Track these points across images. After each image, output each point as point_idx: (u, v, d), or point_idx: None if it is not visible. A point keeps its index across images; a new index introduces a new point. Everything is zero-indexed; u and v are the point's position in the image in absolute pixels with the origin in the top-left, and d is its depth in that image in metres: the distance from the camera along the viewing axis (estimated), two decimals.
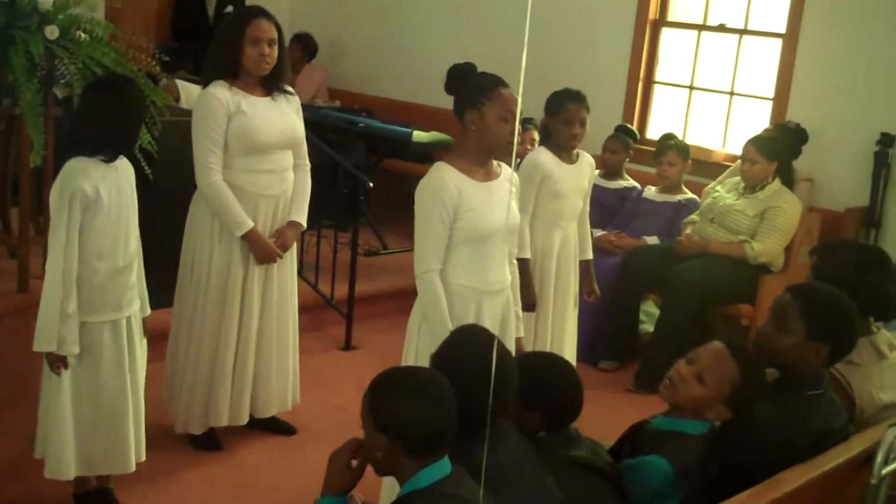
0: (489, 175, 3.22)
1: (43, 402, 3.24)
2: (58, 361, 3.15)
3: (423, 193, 3.15)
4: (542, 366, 2.67)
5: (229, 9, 7.58)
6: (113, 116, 3.13)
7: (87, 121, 3.14)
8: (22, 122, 3.99)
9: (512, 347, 3.27)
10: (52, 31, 3.90)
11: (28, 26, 3.89)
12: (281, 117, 3.84)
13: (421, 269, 3.15)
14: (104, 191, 3.12)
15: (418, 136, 6.45)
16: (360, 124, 6.64)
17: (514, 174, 3.35)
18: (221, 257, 3.81)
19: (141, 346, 3.35)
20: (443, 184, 3.11)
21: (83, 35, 4.04)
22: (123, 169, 3.25)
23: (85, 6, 4.21)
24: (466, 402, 2.24)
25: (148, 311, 3.41)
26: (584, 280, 4.43)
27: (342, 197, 5.65)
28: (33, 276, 4.19)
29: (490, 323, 3.17)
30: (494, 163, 3.25)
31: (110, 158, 3.16)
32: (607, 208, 5.65)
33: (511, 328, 3.32)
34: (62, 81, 4.37)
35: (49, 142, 4.04)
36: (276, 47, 3.75)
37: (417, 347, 3.20)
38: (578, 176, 4.22)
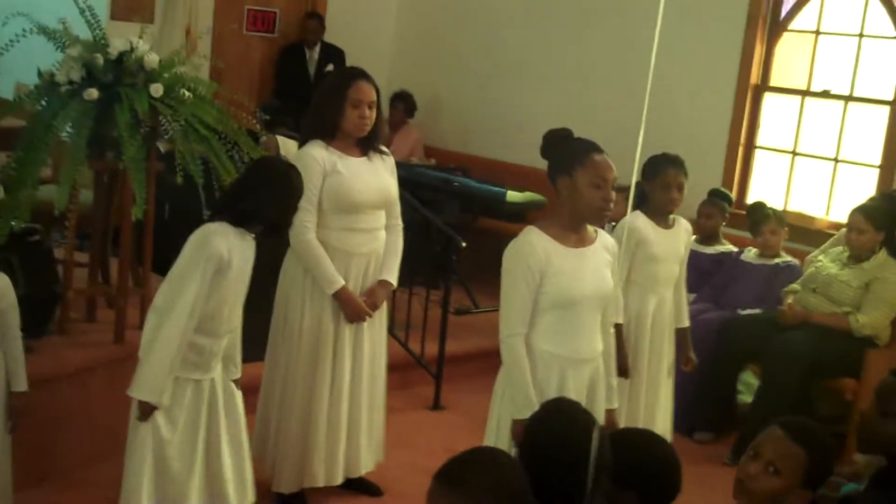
0: (582, 241, 3.17)
1: (128, 453, 3.27)
2: (143, 410, 3.18)
3: (510, 256, 3.13)
4: (637, 443, 2.56)
5: (330, 67, 7.71)
6: (271, 201, 3.23)
7: (246, 194, 3.23)
8: (125, 176, 4.08)
9: (601, 419, 3.18)
10: (157, 90, 3.99)
11: (134, 84, 3.99)
12: (376, 177, 3.87)
13: (505, 333, 3.11)
14: (237, 260, 3.20)
15: (512, 195, 6.44)
16: (455, 183, 6.65)
17: (613, 242, 3.29)
18: (313, 315, 3.82)
19: (226, 405, 3.37)
20: (530, 248, 3.08)
21: (187, 93, 4.13)
22: (252, 243, 3.31)
23: (190, 65, 4.32)
24: (557, 482, 2.16)
25: (238, 374, 3.45)
26: (681, 348, 4.32)
27: (434, 255, 5.65)
28: (130, 326, 4.26)
29: (575, 392, 3.10)
30: (591, 229, 3.20)
31: (255, 235, 3.27)
32: (703, 273, 5.52)
33: (600, 399, 3.24)
34: (165, 137, 4.49)
35: (150, 196, 4.13)
36: (375, 109, 3.79)
37: (500, 414, 3.15)
38: (675, 241, 4.16)
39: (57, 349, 4.13)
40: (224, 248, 3.16)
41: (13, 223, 3.82)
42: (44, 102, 4.02)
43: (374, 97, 3.79)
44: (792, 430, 2.47)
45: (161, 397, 3.17)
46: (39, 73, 4.09)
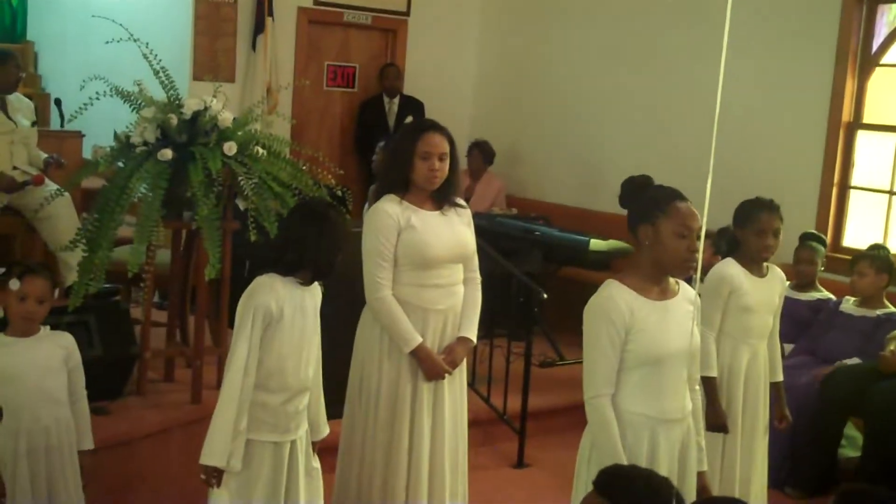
0: (665, 293, 3.01)
1: None
2: (214, 476, 3.10)
3: (592, 313, 2.98)
4: None
5: (409, 119, 7.71)
6: (314, 243, 3.14)
7: (287, 242, 3.17)
8: (199, 234, 4.07)
9: (693, 483, 3.00)
10: (230, 148, 3.99)
11: (207, 143, 4.00)
12: (451, 231, 3.77)
13: (590, 394, 2.96)
14: (288, 311, 3.11)
15: (596, 244, 6.28)
16: (537, 232, 6.54)
17: (697, 295, 3.12)
18: (390, 374, 3.71)
19: (307, 470, 3.28)
20: (612, 303, 2.93)
21: (261, 150, 4.13)
22: (312, 292, 3.24)
23: (263, 122, 4.32)
24: None
25: (323, 434, 3.38)
26: (775, 404, 4.10)
27: (516, 306, 5.53)
28: (207, 386, 4.23)
29: (667, 455, 2.93)
30: (672, 280, 3.04)
31: (306, 282, 3.18)
32: (799, 322, 5.27)
33: (692, 461, 3.04)
34: (244, 195, 4.49)
35: (226, 255, 4.12)
36: (447, 161, 3.69)
37: (587, 480, 2.96)
38: (769, 290, 3.97)
39: (134, 410, 4.13)
40: (271, 301, 3.09)
41: (90, 284, 3.84)
42: (120, 164, 4.05)
43: (446, 148, 3.69)
44: (850, 497, 2.29)
45: (226, 461, 3.08)
46: (115, 135, 4.14)
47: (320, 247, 3.15)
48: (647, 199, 3.00)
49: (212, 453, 3.07)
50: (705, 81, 6.42)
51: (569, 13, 7.80)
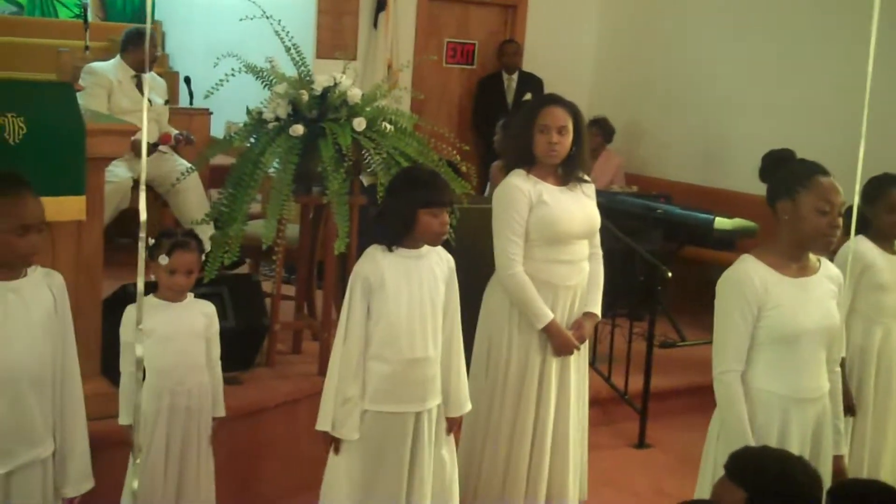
0: (804, 270, 2.93)
1: (323, 485, 3.26)
2: (331, 443, 3.16)
3: (725, 287, 2.93)
4: (864, 498, 2.31)
5: (528, 96, 7.67)
6: (398, 203, 3.14)
7: (388, 211, 3.18)
8: (329, 209, 4.14)
9: (828, 466, 2.93)
10: (359, 123, 4.04)
11: (337, 118, 4.05)
12: (580, 207, 3.75)
13: (719, 370, 2.91)
14: (391, 281, 3.12)
15: (720, 222, 6.16)
16: (658, 210, 6.44)
17: (838, 272, 3.03)
18: (520, 347, 3.72)
19: (436, 444, 3.27)
20: (747, 277, 2.88)
21: (388, 126, 4.17)
22: (432, 260, 3.22)
23: (391, 98, 4.35)
24: None
25: (460, 411, 3.35)
26: None
27: (638, 285, 5.46)
28: None
29: (799, 436, 2.88)
30: (813, 257, 2.96)
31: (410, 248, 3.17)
32: None
33: (827, 444, 2.97)
34: (368, 170, 4.54)
35: (354, 229, 4.18)
36: (567, 135, 3.66)
37: (716, 458, 2.93)
38: None
39: (263, 381, 4.23)
40: (368, 270, 3.12)
41: (224, 258, 3.94)
42: (252, 139, 4.14)
43: (566, 122, 3.65)
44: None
45: (337, 428, 3.13)
46: (248, 111, 4.23)
47: (399, 203, 3.13)
48: (787, 173, 2.93)
49: (320, 418, 3.15)
50: (840, 55, 6.21)
51: None
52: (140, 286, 1.56)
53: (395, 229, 3.15)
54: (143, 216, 1.54)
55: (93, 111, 4.24)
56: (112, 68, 5.57)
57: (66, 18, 7.81)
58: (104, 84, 5.48)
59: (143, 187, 1.54)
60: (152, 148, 5.49)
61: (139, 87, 5.61)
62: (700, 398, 4.07)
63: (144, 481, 3.11)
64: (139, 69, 5.59)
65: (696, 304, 5.65)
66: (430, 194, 3.11)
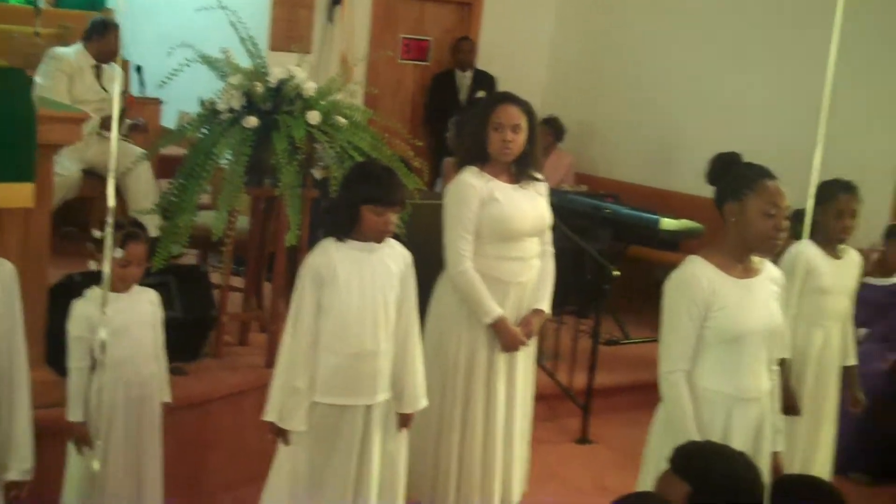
0: (748, 272, 3.00)
1: (269, 476, 3.27)
2: (278, 434, 3.17)
3: (673, 288, 2.98)
4: (804, 493, 2.38)
5: (481, 94, 7.71)
6: (356, 205, 3.14)
7: (336, 204, 3.20)
8: (280, 202, 4.14)
9: (766, 463, 3.00)
10: (314, 117, 4.04)
11: (292, 111, 4.05)
12: (531, 205, 3.79)
13: (666, 369, 2.97)
14: (343, 273, 3.13)
15: (667, 223, 6.24)
16: (607, 210, 6.50)
17: (780, 274, 3.11)
18: (469, 343, 3.76)
19: (385, 439, 3.29)
20: (694, 278, 2.93)
21: (342, 120, 4.17)
22: (386, 254, 3.24)
23: (346, 92, 4.36)
24: None
25: (413, 407, 3.35)
26: (848, 388, 4.07)
27: (585, 283, 5.52)
28: None
29: (742, 434, 2.94)
30: (756, 259, 3.03)
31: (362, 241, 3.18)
32: (876, 307, 5.19)
33: (766, 441, 3.04)
34: (320, 164, 4.54)
35: (305, 222, 4.18)
36: (521, 133, 3.70)
37: (659, 453, 2.98)
38: (845, 272, 3.96)
39: (210, 372, 4.22)
40: (320, 262, 3.14)
41: (172, 248, 3.92)
42: (205, 130, 4.12)
43: (520, 121, 3.69)
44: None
45: (284, 419, 3.14)
46: (201, 102, 4.21)
47: (346, 198, 3.16)
48: (735, 176, 2.99)
49: (268, 410, 3.16)
50: (793, 59, 6.32)
51: None
52: (106, 270, 1.57)
53: (340, 222, 3.18)
54: (110, 202, 1.54)
55: (44, 98, 4.18)
56: (74, 55, 5.51)
57: (16, 4, 7.67)
58: (66, 70, 5.42)
59: (111, 176, 1.54)
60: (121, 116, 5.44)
61: (98, 76, 5.57)
62: (643, 395, 4.13)
63: (107, 473, 3.11)
64: (101, 59, 5.55)
65: (641, 303, 5.75)
66: (376, 192, 3.14)
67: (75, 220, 5.61)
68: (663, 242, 6.32)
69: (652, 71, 7.64)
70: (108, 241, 1.59)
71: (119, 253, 3.08)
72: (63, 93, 5.34)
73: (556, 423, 5.20)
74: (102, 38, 5.52)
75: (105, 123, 5.42)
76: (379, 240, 3.21)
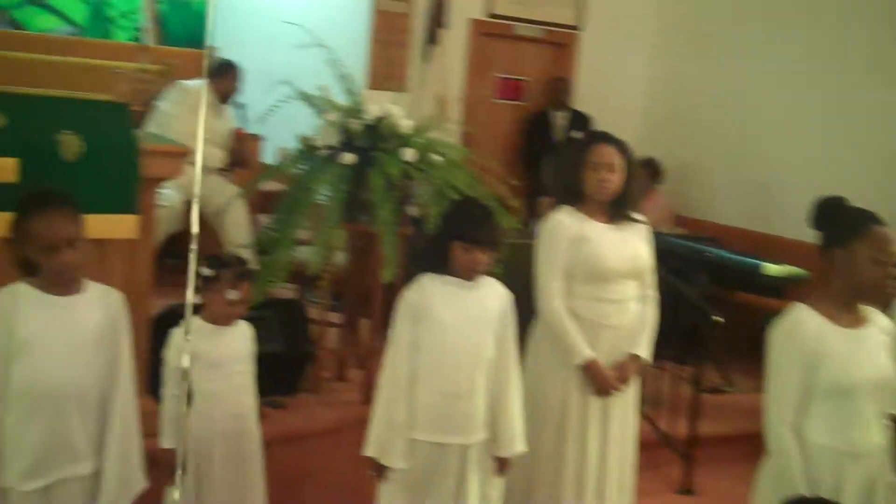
0: (857, 322, 2.87)
1: None
2: (377, 471, 3.13)
3: (778, 337, 2.87)
4: None
5: (576, 134, 7.66)
6: (446, 241, 3.12)
7: (430, 239, 3.18)
8: (377, 238, 4.13)
9: None
10: (409, 154, 4.06)
11: (387, 148, 4.06)
12: (626, 245, 3.70)
13: (772, 421, 2.85)
14: (439, 309, 3.10)
15: (769, 268, 6.07)
16: (707, 253, 6.36)
17: (890, 323, 2.96)
18: (561, 387, 3.67)
19: (481, 480, 3.21)
20: (801, 327, 2.82)
21: (438, 158, 4.17)
22: (486, 293, 3.19)
23: (442, 130, 4.36)
24: None
25: (509, 451, 3.25)
26: None
27: (685, 329, 5.38)
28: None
29: (853, 491, 2.81)
30: (865, 308, 2.89)
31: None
32: None
33: (880, 500, 2.88)
34: (415, 201, 4.54)
35: (400, 258, 4.17)
36: (617, 173, 3.63)
37: None
38: None
39: (307, 406, 4.23)
40: (417, 296, 3.11)
41: (271, 283, 3.95)
42: (303, 166, 4.16)
43: (617, 160, 3.62)
44: None
45: (383, 455, 3.10)
46: (300, 138, 4.25)
47: (443, 236, 3.14)
48: (841, 221, 2.88)
49: (367, 444, 3.13)
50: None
51: (746, 27, 7.60)
52: (189, 297, 1.56)
53: (432, 258, 3.16)
54: (195, 228, 1.53)
55: (154, 133, 4.29)
56: (199, 90, 5.69)
57: (123, 41, 7.94)
58: (191, 103, 5.61)
59: (195, 202, 1.54)
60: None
61: (217, 114, 5.83)
62: (747, 446, 3.98)
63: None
64: (221, 98, 5.82)
65: (744, 350, 5.58)
66: (466, 228, 3.12)
67: (178, 251, 5.72)
68: (766, 288, 6.14)
69: (750, 111, 7.47)
70: (192, 265, 1.59)
71: (234, 295, 3.08)
72: (185, 124, 5.50)
73: (657, 472, 5.04)
74: (224, 78, 5.75)
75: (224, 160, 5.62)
76: (469, 277, 3.16)
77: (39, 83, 5.70)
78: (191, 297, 1.60)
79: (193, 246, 1.63)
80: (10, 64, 5.73)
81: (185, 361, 1.78)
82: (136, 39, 6.43)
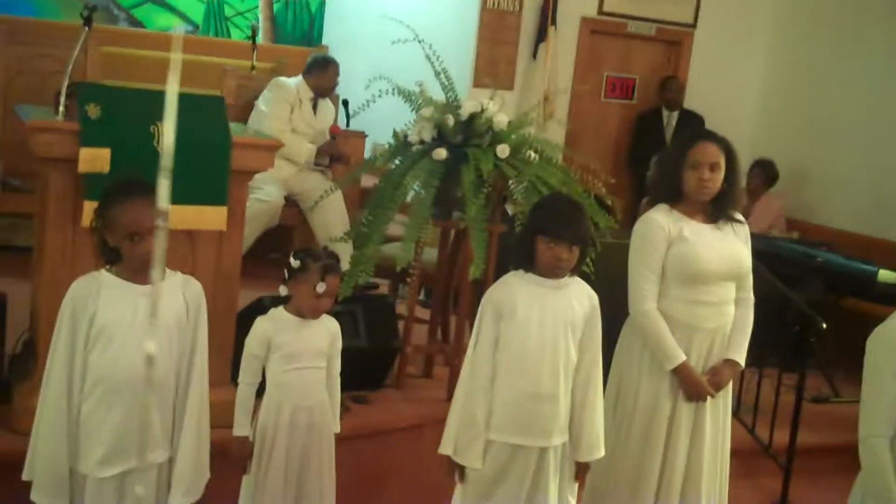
0: None
1: None
2: (454, 469, 3.09)
3: (876, 345, 2.78)
4: None
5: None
6: (530, 236, 3.08)
7: (519, 236, 3.13)
8: (466, 235, 4.10)
9: None
10: (503, 150, 4.01)
11: (481, 144, 4.02)
12: (725, 246, 3.57)
13: (866, 433, 2.75)
14: (523, 307, 3.04)
15: (885, 275, 5.82)
16: (819, 258, 6.13)
17: None
18: (649, 389, 3.56)
19: (560, 485, 3.15)
20: None
21: (533, 154, 4.11)
22: (572, 292, 3.13)
23: (538, 127, 4.29)
24: None
25: (590, 456, 3.18)
26: None
27: (790, 335, 5.19)
28: None
29: None
30: None
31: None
32: None
33: None
34: (514, 198, 4.49)
35: (491, 256, 4.12)
36: (719, 172, 3.50)
37: None
38: None
39: (392, 403, 4.22)
40: (500, 295, 3.07)
41: (359, 278, 3.95)
42: (396, 161, 4.16)
43: (719, 159, 3.50)
44: None
45: (459, 454, 3.06)
46: (394, 133, 4.25)
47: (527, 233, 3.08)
48: None
49: (444, 443, 3.10)
50: None
51: (869, 24, 7.29)
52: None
53: (518, 253, 3.12)
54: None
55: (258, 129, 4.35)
56: (295, 86, 5.79)
57: (238, 40, 8.11)
58: (288, 99, 5.72)
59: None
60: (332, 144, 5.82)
61: (314, 109, 5.88)
62: (850, 458, 3.80)
63: (263, 496, 3.10)
64: (319, 93, 5.86)
65: (855, 360, 5.32)
66: (548, 223, 3.05)
67: (279, 247, 5.82)
68: (881, 296, 5.87)
69: (869, 112, 7.20)
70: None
71: (322, 287, 3.09)
72: (284, 120, 5.62)
73: (753, 482, 4.88)
74: (322, 73, 5.81)
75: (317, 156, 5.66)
76: (552, 274, 3.09)
77: (152, 80, 5.87)
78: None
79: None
80: (125, 61, 5.91)
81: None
82: (250, 38, 6.55)
